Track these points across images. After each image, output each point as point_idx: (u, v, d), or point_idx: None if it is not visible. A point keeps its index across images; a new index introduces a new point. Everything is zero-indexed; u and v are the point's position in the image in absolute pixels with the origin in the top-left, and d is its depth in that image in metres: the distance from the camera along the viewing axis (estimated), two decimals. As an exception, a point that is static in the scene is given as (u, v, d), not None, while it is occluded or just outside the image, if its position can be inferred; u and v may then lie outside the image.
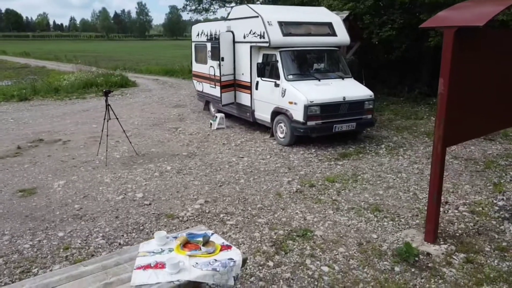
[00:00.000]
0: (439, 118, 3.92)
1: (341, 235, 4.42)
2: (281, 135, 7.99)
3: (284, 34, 8.00)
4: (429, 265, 3.83)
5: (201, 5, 20.17)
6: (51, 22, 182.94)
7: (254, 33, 8.29)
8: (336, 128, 7.55)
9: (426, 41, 11.23)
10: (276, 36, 7.91)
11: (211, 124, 9.70)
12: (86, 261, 2.73)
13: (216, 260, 2.58)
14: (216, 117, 9.65)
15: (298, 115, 7.44)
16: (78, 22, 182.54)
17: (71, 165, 6.96)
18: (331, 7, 12.47)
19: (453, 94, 3.82)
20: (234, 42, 9.05)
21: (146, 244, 2.83)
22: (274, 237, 4.38)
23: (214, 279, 2.45)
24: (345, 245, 4.21)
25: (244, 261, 2.68)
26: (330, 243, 4.26)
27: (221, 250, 2.71)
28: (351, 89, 7.92)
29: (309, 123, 7.38)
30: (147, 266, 2.50)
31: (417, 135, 8.81)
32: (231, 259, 2.60)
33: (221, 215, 4.92)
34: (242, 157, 7.29)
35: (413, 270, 3.75)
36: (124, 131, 7.80)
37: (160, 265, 2.50)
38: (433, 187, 4.15)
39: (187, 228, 4.30)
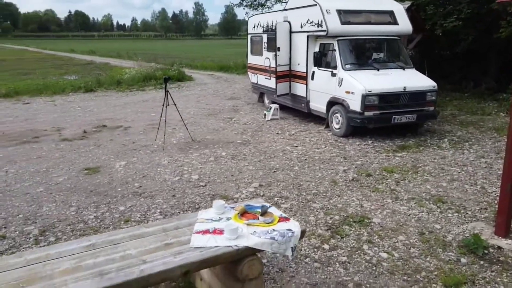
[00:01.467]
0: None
1: (401, 224, 4.22)
2: (337, 126, 7.81)
3: (343, 23, 7.80)
4: (500, 259, 3.55)
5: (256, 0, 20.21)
6: (114, 23, 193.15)
7: (311, 22, 8.17)
8: (395, 120, 7.24)
9: (496, 32, 10.47)
10: (334, 24, 7.74)
11: (265, 114, 9.70)
12: (147, 223, 2.81)
13: (274, 230, 2.54)
14: (271, 107, 9.63)
15: (355, 105, 7.23)
16: (139, 22, 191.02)
17: (131, 149, 7.26)
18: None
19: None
20: (290, 32, 8.98)
21: (204, 212, 2.86)
22: (330, 221, 4.27)
23: (272, 248, 2.41)
24: (405, 234, 4.01)
25: (303, 233, 2.61)
26: (389, 230, 4.08)
27: (279, 221, 2.66)
28: (412, 79, 7.56)
29: (367, 113, 7.14)
30: (206, 231, 2.51)
31: (484, 130, 8.23)
32: (290, 229, 2.55)
33: (276, 199, 4.89)
34: (296, 146, 7.21)
35: (481, 262, 3.49)
36: (181, 118, 8.01)
37: (219, 231, 2.50)
38: (506, 177, 3.83)
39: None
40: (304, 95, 8.79)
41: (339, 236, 3.96)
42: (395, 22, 8.28)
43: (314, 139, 7.68)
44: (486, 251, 3.62)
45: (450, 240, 3.87)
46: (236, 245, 2.36)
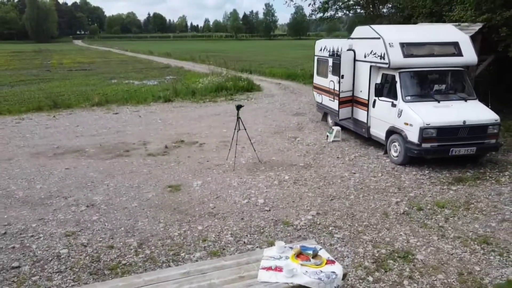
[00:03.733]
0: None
1: (442, 262, 4.70)
2: (395, 154, 8.23)
3: (405, 55, 8.19)
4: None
5: (325, 14, 20.71)
6: (188, 24, 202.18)
7: (374, 54, 8.65)
8: (453, 152, 7.52)
9: None
10: (396, 57, 8.16)
11: (327, 136, 10.31)
12: (225, 256, 3.67)
13: (322, 271, 3.26)
14: (333, 129, 10.22)
15: (413, 136, 7.62)
16: (211, 23, 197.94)
17: (206, 167, 8.29)
18: (462, 19, 11.98)
19: None
20: (354, 60, 9.51)
21: (268, 250, 3.65)
22: (376, 255, 4.87)
23: (319, 287, 3.14)
24: (444, 273, 4.50)
25: (345, 275, 3.31)
26: (430, 268, 4.59)
27: (326, 263, 3.37)
28: (473, 112, 7.76)
29: (424, 145, 7.51)
30: (269, 268, 3.30)
31: (550, 162, 8.17)
32: (334, 272, 3.25)
33: (330, 228, 5.57)
34: (354, 173, 7.77)
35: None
36: (249, 140, 8.91)
37: (279, 269, 3.28)
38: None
39: (299, 236, 5.07)
40: (365, 121, 9.29)
41: (383, 270, 4.56)
42: (459, 54, 8.46)
43: (372, 166, 8.18)
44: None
45: (486, 283, 4.31)
46: (291, 282, 3.12)
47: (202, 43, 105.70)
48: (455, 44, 8.54)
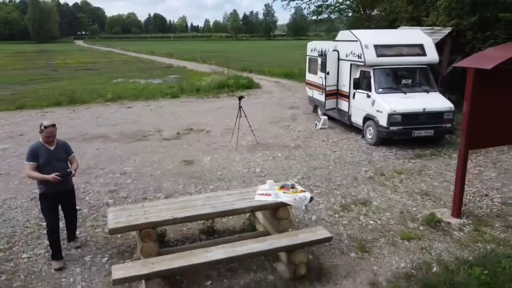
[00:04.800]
0: (463, 130, 5.68)
1: (391, 206, 6.42)
2: (370, 136, 9.94)
3: (378, 55, 9.91)
4: (445, 229, 5.65)
5: (319, 17, 22.45)
6: (188, 24, 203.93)
7: (353, 54, 10.37)
8: (415, 134, 9.24)
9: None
10: (371, 57, 9.88)
11: (316, 124, 12.02)
12: (230, 190, 5.37)
13: (296, 195, 4.95)
14: (321, 118, 11.93)
15: (383, 121, 9.33)
16: (211, 23, 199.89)
17: (213, 148, 10.00)
18: (435, 24, 13.73)
19: (473, 113, 5.54)
20: (338, 59, 11.22)
21: (262, 185, 5.35)
22: (343, 202, 6.59)
23: (294, 203, 4.83)
24: (390, 212, 6.22)
25: (311, 198, 5.02)
26: (381, 209, 6.31)
27: (300, 192, 5.07)
28: (432, 101, 9.47)
29: (392, 128, 9.22)
30: (262, 194, 4.99)
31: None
32: (304, 196, 4.95)
33: (311, 187, 7.28)
34: (335, 151, 9.49)
35: (431, 230, 5.63)
36: (250, 126, 10.61)
37: (268, 194, 4.97)
38: (458, 178, 5.90)
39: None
40: (347, 110, 11.01)
41: (346, 210, 6.28)
42: (423, 54, 10.19)
43: (351, 146, 9.90)
44: (438, 224, 5.74)
45: (418, 217, 6.02)
46: (276, 200, 4.83)
47: (202, 43, 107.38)
48: (420, 46, 10.26)
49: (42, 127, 4.74)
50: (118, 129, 12.30)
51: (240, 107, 10.01)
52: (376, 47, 9.97)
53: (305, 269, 4.56)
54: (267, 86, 22.44)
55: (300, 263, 4.49)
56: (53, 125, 4.81)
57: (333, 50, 11.36)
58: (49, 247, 4.98)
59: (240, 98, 10.08)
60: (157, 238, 4.64)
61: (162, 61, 44.54)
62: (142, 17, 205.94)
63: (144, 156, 9.39)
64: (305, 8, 22.87)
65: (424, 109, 9.19)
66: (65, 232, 5.38)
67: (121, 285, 4.08)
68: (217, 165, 8.62)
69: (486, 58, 5.50)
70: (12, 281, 4.60)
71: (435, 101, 9.51)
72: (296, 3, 22.45)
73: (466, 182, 7.02)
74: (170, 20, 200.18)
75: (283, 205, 4.87)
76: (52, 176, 4.60)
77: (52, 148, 4.79)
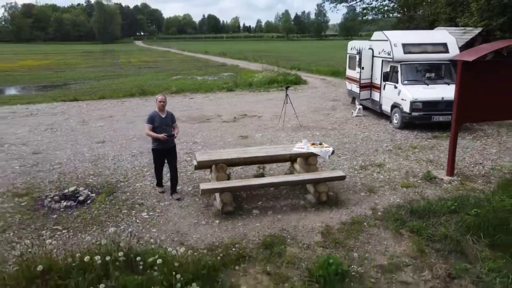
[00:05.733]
0: (454, 108, 7.47)
1: (399, 168, 8.31)
2: (396, 121, 11.71)
3: (405, 52, 11.66)
4: (438, 182, 7.49)
5: (363, 18, 23.99)
6: (241, 25, 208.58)
7: (384, 51, 12.17)
8: (434, 118, 10.90)
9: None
10: (398, 53, 11.65)
11: (352, 112, 13.90)
12: (277, 145, 7.57)
13: (323, 149, 7.04)
14: (356, 108, 13.80)
15: (406, 107, 11.08)
16: (263, 23, 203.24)
17: (264, 128, 12.24)
18: (467, 25, 15.09)
19: (461, 96, 7.33)
20: (373, 56, 13.04)
21: (299, 143, 7.48)
22: (363, 164, 8.56)
23: (320, 153, 6.92)
24: (398, 171, 8.11)
25: (333, 151, 7.08)
26: (392, 170, 8.21)
27: (325, 147, 7.15)
28: (451, 91, 10.96)
29: (413, 113, 10.96)
30: (298, 147, 7.14)
31: (508, 128, 11.26)
32: (328, 149, 7.03)
33: (339, 154, 9.28)
34: (364, 132, 11.39)
35: (427, 182, 7.49)
36: (294, 111, 12.72)
37: (302, 148, 7.09)
38: (450, 144, 7.69)
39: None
40: (378, 100, 12.80)
41: (364, 170, 8.25)
42: (446, 51, 11.77)
43: (379, 129, 11.73)
44: (432, 179, 7.57)
45: (419, 174, 7.88)
46: (307, 151, 6.95)
47: (254, 43, 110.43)
48: (444, 45, 11.86)
49: (157, 97, 7.11)
50: (185, 113, 14.87)
51: (286, 95, 12.17)
52: (404, 45, 11.72)
53: (326, 197, 6.65)
54: (313, 82, 24.37)
55: (322, 192, 6.59)
56: (164, 96, 7.14)
57: (368, 48, 13.20)
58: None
59: (287, 87, 12.24)
60: (227, 172, 6.93)
61: (216, 60, 47.56)
62: (196, 18, 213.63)
63: (208, 132, 11.82)
64: (352, 10, 24.33)
65: (442, 98, 10.83)
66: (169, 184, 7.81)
67: (205, 195, 6.40)
68: (267, 140, 10.83)
69: (472, 53, 7.28)
70: (133, 196, 7.10)
71: (453, 92, 11.05)
72: (343, 6, 23.99)
73: (468, 155, 8.77)
74: (223, 21, 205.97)
75: (312, 154, 6.98)
76: (162, 135, 6.88)
77: (163, 116, 7.09)
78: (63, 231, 5.73)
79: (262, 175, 7.55)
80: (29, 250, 4.55)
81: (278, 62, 33.81)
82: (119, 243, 4.81)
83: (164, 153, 7.16)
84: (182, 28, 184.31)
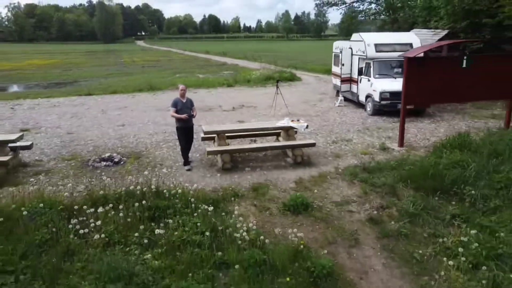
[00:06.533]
0: (403, 93, 9.65)
1: (363, 142, 10.49)
2: (369, 109, 13.90)
3: (377, 51, 13.83)
4: (389, 151, 9.67)
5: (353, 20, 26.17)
6: (241, 25, 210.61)
7: (360, 50, 14.35)
8: (398, 106, 12.98)
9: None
10: (371, 52, 13.83)
11: (335, 103, 16.08)
12: (264, 121, 9.76)
13: (300, 124, 9.21)
14: (339, 98, 15.98)
15: (376, 97, 13.26)
16: (263, 24, 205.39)
17: (258, 115, 14.43)
18: (437, 27, 17.27)
19: (407, 85, 9.50)
20: (352, 54, 15.22)
21: (282, 119, 9.64)
22: (335, 140, 10.74)
23: (297, 126, 9.09)
24: (361, 144, 10.29)
25: (307, 126, 9.26)
26: (356, 143, 10.40)
27: (302, 123, 9.32)
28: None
29: (382, 102, 13.13)
30: (281, 123, 9.31)
31: (463, 115, 13.43)
32: (304, 124, 9.21)
33: (318, 134, 11.45)
34: (342, 118, 13.59)
35: (381, 151, 9.69)
36: (284, 101, 14.89)
37: (283, 123, 9.27)
38: (401, 122, 9.86)
39: (301, 133, 11.08)
40: (356, 92, 14.98)
41: (335, 143, 10.43)
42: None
43: (355, 116, 13.92)
44: (386, 149, 9.75)
45: (377, 146, 10.06)
46: (287, 124, 9.13)
47: (254, 43, 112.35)
48: (410, 44, 14.02)
49: (179, 86, 9.20)
50: (190, 105, 17.03)
51: (277, 87, 14.35)
52: (376, 45, 13.91)
53: (301, 159, 8.83)
54: (306, 79, 26.55)
55: (298, 155, 8.78)
56: (184, 85, 9.24)
57: (348, 48, 15.38)
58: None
59: (278, 81, 14.41)
60: (226, 141, 9.11)
61: (217, 59, 49.59)
62: (197, 18, 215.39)
63: (211, 118, 14.01)
64: (340, 13, 26.55)
65: (406, 89, 12.97)
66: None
67: (210, 156, 8.60)
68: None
69: (415, 51, 9.46)
70: (154, 160, 9.29)
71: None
72: (334, 9, 26.12)
73: (421, 133, 10.95)
74: (223, 21, 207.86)
75: (291, 128, 9.16)
76: (184, 115, 8.94)
77: (184, 101, 9.14)
78: (107, 178, 7.91)
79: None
80: (92, 182, 6.74)
81: (276, 61, 35.93)
82: (151, 181, 7.00)
83: (186, 130, 9.03)
84: (183, 28, 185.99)
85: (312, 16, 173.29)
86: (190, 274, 5.25)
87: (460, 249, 5.85)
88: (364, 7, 25.68)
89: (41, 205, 6.02)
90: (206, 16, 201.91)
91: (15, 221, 5.88)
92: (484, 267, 5.58)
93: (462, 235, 6.31)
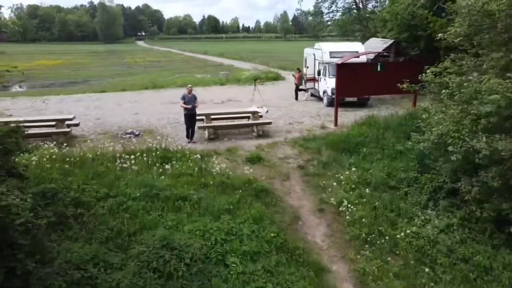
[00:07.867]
0: (336, 88, 13.85)
1: (311, 123, 14.69)
2: (325, 102, 18.11)
3: (331, 57, 18.02)
4: (326, 129, 13.88)
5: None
6: (240, 25, 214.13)
7: (319, 56, 18.55)
8: (345, 99, 17.19)
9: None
10: (326, 58, 18.04)
11: (303, 97, 20.28)
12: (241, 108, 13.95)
13: (262, 109, 13.37)
14: (305, 94, 20.18)
15: (329, 92, 17.42)
16: (262, 24, 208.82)
17: (240, 107, 18.55)
18: (385, 37, 21.45)
19: (338, 82, 13.69)
20: (314, 59, 19.42)
21: (252, 107, 13.79)
22: (291, 122, 14.93)
23: (260, 110, 13.26)
24: (309, 124, 14.49)
25: (267, 111, 13.46)
26: (306, 124, 14.58)
27: (264, 108, 13.47)
28: (357, 82, 17.41)
29: (333, 96, 17.23)
30: (250, 108, 13.48)
31: (395, 106, 17.60)
32: (265, 109, 13.37)
33: (280, 118, 15.61)
34: (304, 108, 17.77)
35: (320, 129, 13.90)
36: (259, 93, 19.02)
37: (252, 109, 13.43)
38: (335, 109, 14.05)
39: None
40: (317, 88, 19.19)
41: (290, 125, 14.63)
42: (358, 56, 18.10)
43: (314, 107, 18.10)
44: (324, 128, 13.95)
45: (318, 126, 14.25)
46: (254, 110, 13.30)
47: (252, 43, 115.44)
48: (357, 52, 18.19)
49: (188, 86, 13.34)
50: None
51: (255, 85, 18.55)
52: (330, 52, 18.11)
53: (262, 133, 13.01)
54: (290, 78, 30.50)
55: (259, 130, 12.95)
56: (191, 86, 13.39)
57: (312, 54, 19.59)
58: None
59: (255, 80, 18.61)
60: (211, 120, 13.26)
61: (214, 60, 53.20)
62: (196, 18, 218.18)
63: (203, 109, 18.14)
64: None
65: (351, 86, 17.17)
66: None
67: (200, 130, 12.83)
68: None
69: (343, 60, 13.65)
70: (162, 134, 13.47)
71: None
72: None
73: (354, 117, 15.14)
74: (223, 22, 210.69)
75: (256, 112, 13.33)
76: (189, 106, 13.05)
77: (190, 96, 13.27)
78: (134, 142, 12.01)
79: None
80: (124, 144, 10.96)
81: (269, 62, 39.80)
82: (161, 144, 11.20)
83: (190, 117, 13.11)
84: (182, 29, 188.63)
85: (310, 17, 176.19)
86: (186, 187, 9.46)
87: (344, 180, 10.10)
88: (336, 17, 29.95)
89: (98, 152, 10.21)
90: (206, 16, 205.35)
91: (84, 161, 10.07)
92: (356, 189, 9.83)
93: (351, 174, 10.54)
